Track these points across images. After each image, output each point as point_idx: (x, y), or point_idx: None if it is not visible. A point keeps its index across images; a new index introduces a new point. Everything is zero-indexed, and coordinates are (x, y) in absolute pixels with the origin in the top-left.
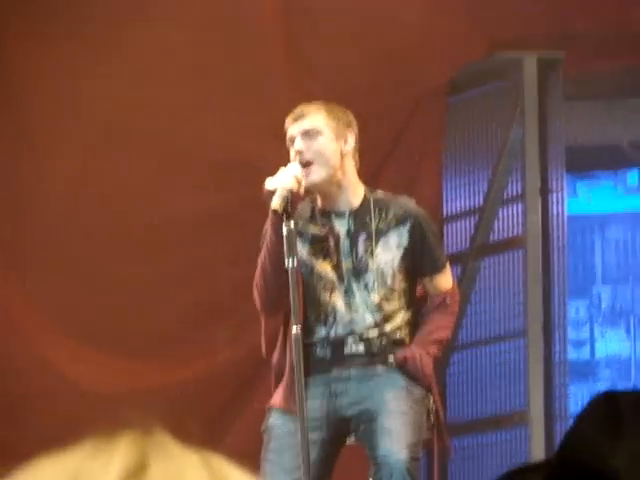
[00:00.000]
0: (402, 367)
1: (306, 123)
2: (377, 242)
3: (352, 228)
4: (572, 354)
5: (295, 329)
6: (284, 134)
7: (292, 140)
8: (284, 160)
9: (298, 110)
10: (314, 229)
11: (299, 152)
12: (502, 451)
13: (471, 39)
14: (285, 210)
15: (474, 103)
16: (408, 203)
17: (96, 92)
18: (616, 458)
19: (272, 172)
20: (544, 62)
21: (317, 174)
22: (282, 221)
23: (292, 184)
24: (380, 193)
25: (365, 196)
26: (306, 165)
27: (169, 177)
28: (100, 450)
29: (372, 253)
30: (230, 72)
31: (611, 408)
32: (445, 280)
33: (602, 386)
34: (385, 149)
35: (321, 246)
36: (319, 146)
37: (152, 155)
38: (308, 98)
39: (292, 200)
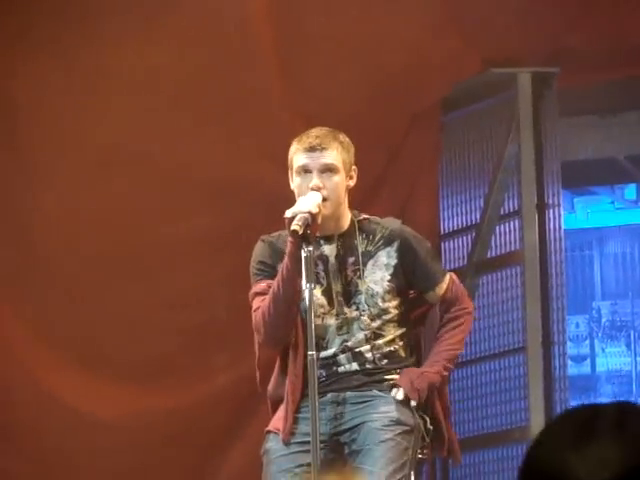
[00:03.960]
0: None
1: (326, 158)
2: (365, 264)
3: (340, 252)
4: (573, 369)
5: (311, 353)
6: (281, 155)
7: (305, 169)
8: (279, 181)
9: (312, 139)
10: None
11: (319, 188)
12: (504, 467)
13: (465, 57)
14: (305, 233)
15: (469, 120)
16: (393, 224)
17: (90, 117)
18: (579, 467)
19: (268, 193)
20: (538, 78)
21: (328, 210)
22: (301, 244)
23: (313, 208)
24: (365, 216)
25: (352, 220)
26: (322, 200)
27: (164, 200)
28: None
29: (361, 275)
30: (224, 94)
31: (579, 420)
32: (447, 290)
33: (603, 400)
34: (381, 168)
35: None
36: (335, 185)
37: (147, 179)
38: (302, 118)
39: (311, 225)
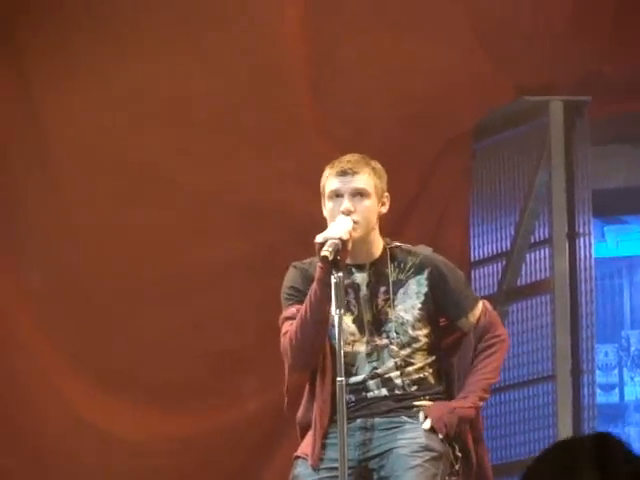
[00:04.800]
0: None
1: (357, 182)
2: (396, 292)
3: (372, 280)
4: (601, 398)
5: (340, 379)
6: (314, 180)
7: (336, 194)
8: (312, 206)
9: (344, 164)
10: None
11: (349, 211)
12: None
13: (497, 84)
14: (335, 259)
15: (500, 147)
16: (424, 251)
17: (124, 138)
18: None
19: (300, 218)
20: (570, 106)
21: (358, 233)
22: (331, 270)
23: (344, 234)
24: (397, 244)
25: (384, 247)
26: (352, 225)
27: (195, 224)
28: None
29: (391, 304)
30: (258, 119)
31: (563, 454)
32: (480, 316)
33: (632, 430)
34: (412, 195)
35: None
36: (366, 209)
37: (179, 202)
38: (335, 144)
39: (341, 252)
